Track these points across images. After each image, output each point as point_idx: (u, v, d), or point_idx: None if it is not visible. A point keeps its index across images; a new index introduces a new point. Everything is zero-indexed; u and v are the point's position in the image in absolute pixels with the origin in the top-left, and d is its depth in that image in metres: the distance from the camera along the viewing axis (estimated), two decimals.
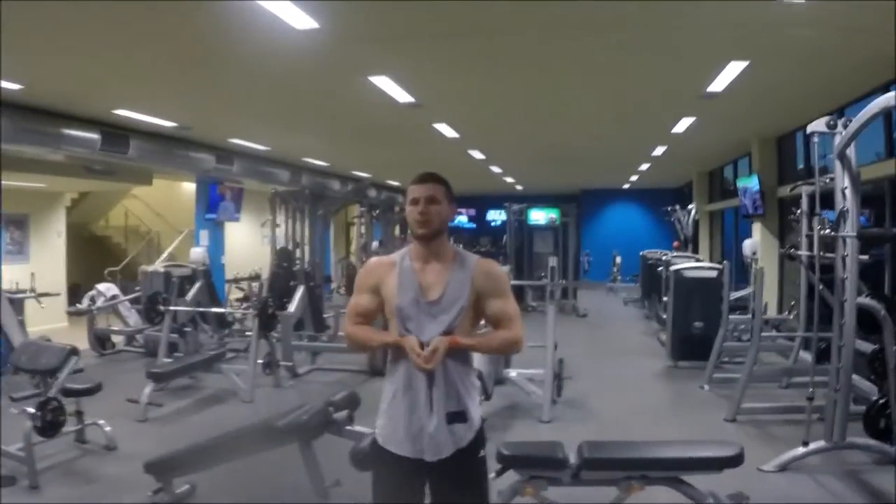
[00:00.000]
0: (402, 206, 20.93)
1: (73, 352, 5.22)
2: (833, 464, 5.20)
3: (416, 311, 2.62)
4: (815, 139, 5.07)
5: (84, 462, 5.42)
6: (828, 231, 4.99)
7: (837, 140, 4.95)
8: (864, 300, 5.08)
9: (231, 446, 3.85)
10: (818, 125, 5.02)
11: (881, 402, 5.23)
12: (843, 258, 4.90)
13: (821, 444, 5.10)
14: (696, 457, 3.68)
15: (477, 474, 2.70)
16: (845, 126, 4.91)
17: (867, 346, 5.60)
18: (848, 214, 4.89)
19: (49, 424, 4.90)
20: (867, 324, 5.19)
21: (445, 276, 2.65)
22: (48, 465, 5.18)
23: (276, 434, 3.73)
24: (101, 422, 5.70)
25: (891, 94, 4.41)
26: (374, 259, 2.84)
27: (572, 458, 3.57)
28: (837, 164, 4.95)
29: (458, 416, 2.60)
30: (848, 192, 4.91)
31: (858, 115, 4.72)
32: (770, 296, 10.31)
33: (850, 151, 4.92)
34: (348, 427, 3.80)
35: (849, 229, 4.89)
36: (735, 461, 3.56)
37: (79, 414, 5.61)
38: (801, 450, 5.12)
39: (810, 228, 7.57)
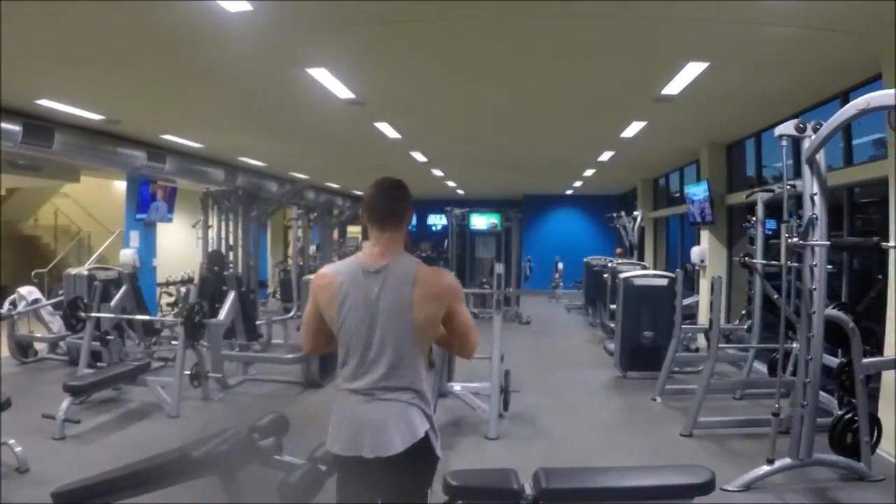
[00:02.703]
0: (343, 209, 20.69)
1: None
2: (799, 481, 5.01)
3: None
4: (784, 143, 4.80)
5: None
6: (796, 239, 4.70)
7: (807, 144, 4.72)
8: (833, 312, 4.87)
9: (145, 477, 3.37)
10: (787, 128, 4.78)
11: (847, 416, 5.04)
12: (812, 268, 4.66)
13: (786, 461, 4.91)
14: (666, 485, 3.37)
15: None
16: (815, 130, 4.68)
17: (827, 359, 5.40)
18: (817, 222, 4.65)
19: None
20: (833, 336, 4.99)
21: None
22: None
23: (191, 465, 3.26)
24: (12, 441, 5.18)
25: (868, 96, 4.17)
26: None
27: (528, 489, 3.20)
28: (806, 170, 4.72)
29: None
30: (817, 198, 4.68)
31: (831, 118, 4.48)
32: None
33: (820, 157, 4.70)
34: (276, 457, 3.36)
35: (818, 237, 4.65)
36: (707, 488, 3.28)
37: None
38: (765, 468, 4.89)
39: (765, 236, 7.44)
